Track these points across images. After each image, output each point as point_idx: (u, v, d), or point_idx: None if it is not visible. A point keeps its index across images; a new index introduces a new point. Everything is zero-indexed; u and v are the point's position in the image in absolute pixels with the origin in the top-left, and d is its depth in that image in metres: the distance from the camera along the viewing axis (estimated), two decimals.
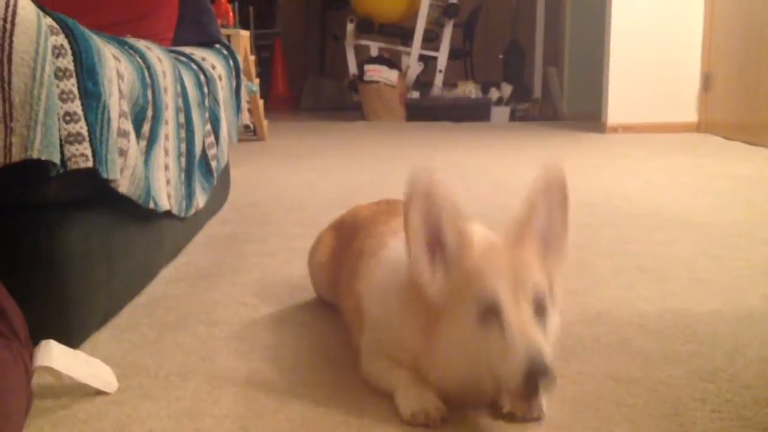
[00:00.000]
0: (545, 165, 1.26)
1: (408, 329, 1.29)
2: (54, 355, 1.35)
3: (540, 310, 1.18)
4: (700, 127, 6.29)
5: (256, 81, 5.96)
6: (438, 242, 1.25)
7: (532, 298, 1.17)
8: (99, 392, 1.42)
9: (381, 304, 1.40)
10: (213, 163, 2.85)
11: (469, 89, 7.98)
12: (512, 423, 1.29)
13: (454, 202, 1.26)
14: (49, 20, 1.49)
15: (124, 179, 1.76)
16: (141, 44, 2.16)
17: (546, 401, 1.30)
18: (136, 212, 1.94)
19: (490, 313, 1.16)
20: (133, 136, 1.83)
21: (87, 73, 1.56)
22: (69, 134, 1.51)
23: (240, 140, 3.62)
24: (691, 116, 6.34)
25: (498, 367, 1.15)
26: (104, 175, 1.61)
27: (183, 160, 2.42)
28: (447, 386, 1.29)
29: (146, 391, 1.45)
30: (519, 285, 1.17)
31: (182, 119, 2.40)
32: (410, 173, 1.24)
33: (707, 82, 6.24)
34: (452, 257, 1.24)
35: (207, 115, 2.76)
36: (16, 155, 1.41)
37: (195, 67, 2.71)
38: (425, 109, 7.85)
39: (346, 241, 1.84)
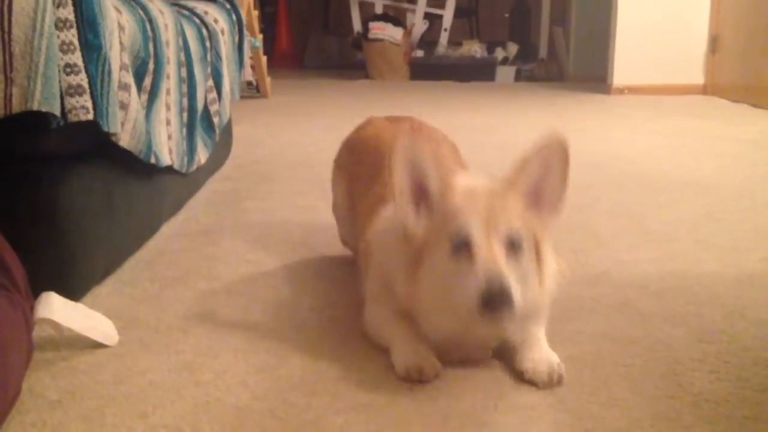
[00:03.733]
0: (549, 127, 1.30)
1: (400, 275, 1.34)
2: (54, 307, 1.35)
3: (513, 248, 1.24)
4: (706, 90, 6.24)
5: (260, 37, 5.90)
6: (423, 190, 1.31)
7: (504, 235, 1.23)
8: (99, 345, 1.43)
9: (383, 251, 1.44)
10: (215, 119, 2.83)
11: (474, 48, 7.90)
12: (505, 381, 1.30)
13: (438, 155, 1.34)
14: None
15: (125, 133, 1.74)
16: None
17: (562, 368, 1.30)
18: (138, 167, 1.93)
19: (463, 247, 1.22)
20: (134, 89, 1.81)
21: (88, 24, 1.54)
22: (69, 86, 1.50)
23: (243, 97, 3.59)
24: (698, 78, 6.29)
25: (463, 292, 1.20)
26: (105, 128, 1.59)
27: (185, 115, 2.41)
28: (437, 335, 1.33)
29: (146, 345, 1.46)
30: (491, 222, 1.23)
31: (184, 74, 2.37)
32: (396, 136, 1.31)
33: (714, 43, 6.17)
34: (435, 202, 1.31)
35: (209, 69, 2.73)
36: (17, 106, 1.40)
37: (197, 20, 2.68)
38: (430, 68, 7.77)
39: (365, 174, 1.79)
